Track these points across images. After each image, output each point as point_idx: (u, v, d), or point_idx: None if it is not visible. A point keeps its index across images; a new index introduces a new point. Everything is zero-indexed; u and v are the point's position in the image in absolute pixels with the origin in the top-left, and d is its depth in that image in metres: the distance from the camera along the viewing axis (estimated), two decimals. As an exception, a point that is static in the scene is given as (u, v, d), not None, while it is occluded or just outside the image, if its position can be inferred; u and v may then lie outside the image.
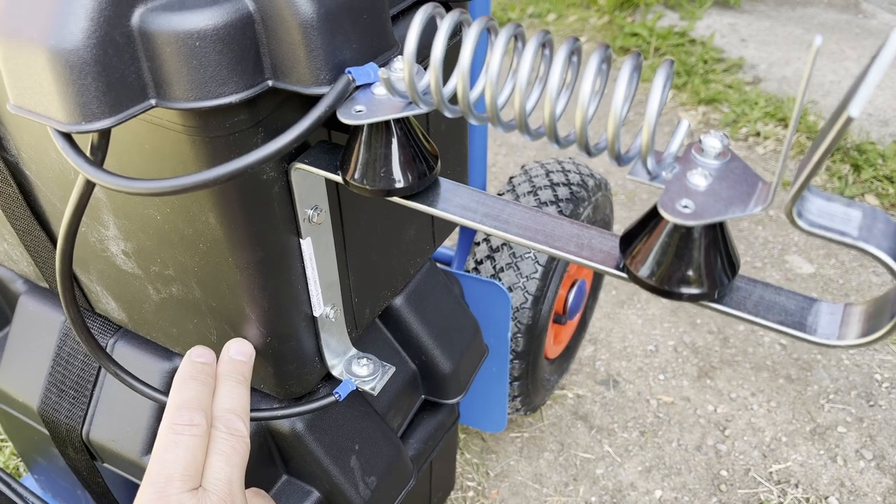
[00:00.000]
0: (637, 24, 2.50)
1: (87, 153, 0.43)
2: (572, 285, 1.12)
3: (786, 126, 2.01)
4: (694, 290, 0.38)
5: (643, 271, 0.38)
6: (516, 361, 1.05)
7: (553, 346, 1.20)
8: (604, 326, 1.47)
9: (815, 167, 0.31)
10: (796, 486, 1.18)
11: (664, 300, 1.47)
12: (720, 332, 1.45)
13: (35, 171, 0.58)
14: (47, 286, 0.72)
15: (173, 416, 0.50)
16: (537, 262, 1.00)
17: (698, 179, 0.36)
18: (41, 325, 0.74)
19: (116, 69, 0.40)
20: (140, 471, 0.71)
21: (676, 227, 0.36)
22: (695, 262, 0.37)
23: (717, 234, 0.37)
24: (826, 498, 1.17)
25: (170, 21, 0.41)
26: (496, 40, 0.38)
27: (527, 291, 1.00)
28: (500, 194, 1.07)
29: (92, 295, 0.68)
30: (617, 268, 0.41)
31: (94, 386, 0.71)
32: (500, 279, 1.01)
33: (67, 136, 0.42)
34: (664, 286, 0.38)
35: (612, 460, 1.22)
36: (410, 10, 0.54)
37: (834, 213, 0.34)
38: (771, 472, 1.20)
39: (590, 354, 1.41)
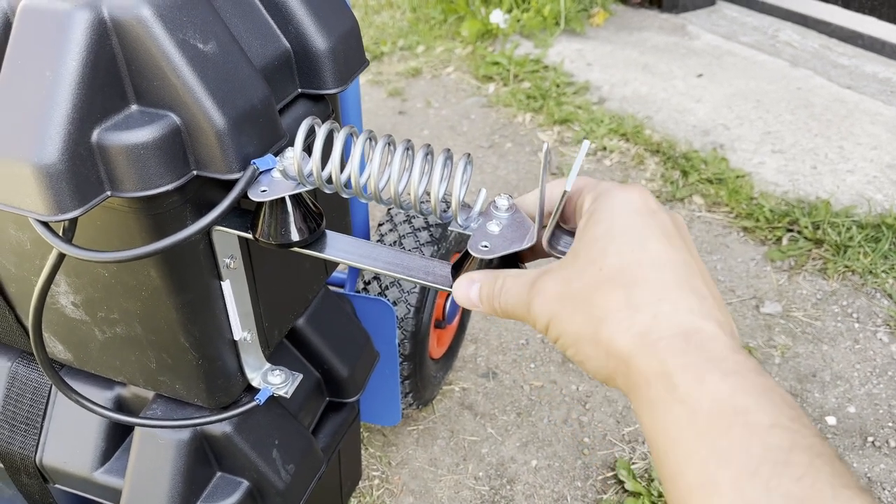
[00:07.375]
0: (497, 53, 2.77)
1: (60, 233, 0.58)
2: (448, 296, 1.32)
3: (627, 140, 2.33)
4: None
5: (466, 287, 0.58)
6: (405, 363, 1.24)
7: (437, 347, 1.40)
8: (483, 327, 1.68)
9: (554, 217, 0.51)
10: (643, 442, 1.44)
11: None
12: (579, 322, 1.70)
13: (-8, 245, 0.71)
14: (-7, 338, 0.84)
15: None
16: (415, 278, 1.19)
17: (493, 227, 0.56)
18: (-12, 371, 0.86)
19: (82, 174, 0.56)
20: (91, 486, 0.84)
21: (481, 260, 0.56)
22: (496, 279, 0.57)
23: (510, 260, 0.57)
24: (666, 450, 1.43)
25: (120, 137, 0.57)
26: (356, 143, 0.57)
27: (409, 304, 1.19)
28: (380, 225, 1.26)
29: (39, 341, 0.81)
30: (450, 286, 0.60)
31: (44, 419, 0.84)
32: (385, 296, 1.19)
33: (46, 224, 0.57)
34: (480, 296, 0.58)
35: (495, 440, 1.44)
36: (292, 104, 0.72)
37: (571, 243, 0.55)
38: (623, 434, 1.46)
39: (472, 352, 1.62)
